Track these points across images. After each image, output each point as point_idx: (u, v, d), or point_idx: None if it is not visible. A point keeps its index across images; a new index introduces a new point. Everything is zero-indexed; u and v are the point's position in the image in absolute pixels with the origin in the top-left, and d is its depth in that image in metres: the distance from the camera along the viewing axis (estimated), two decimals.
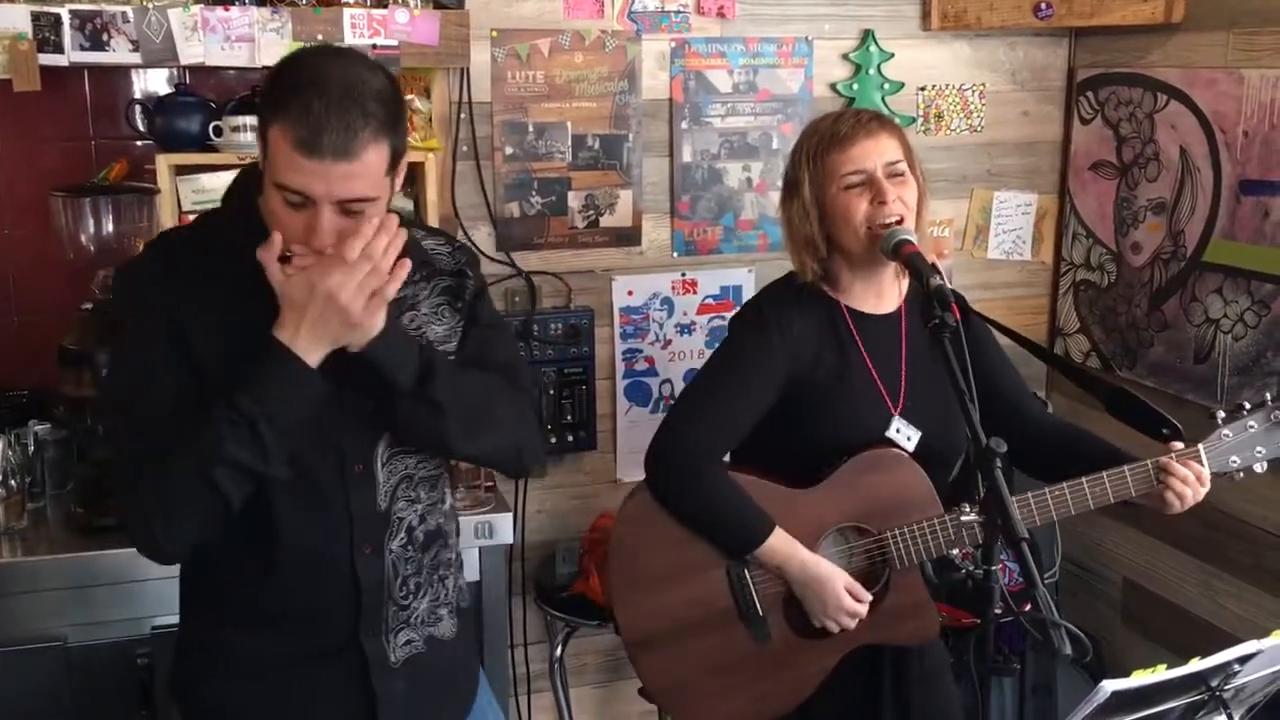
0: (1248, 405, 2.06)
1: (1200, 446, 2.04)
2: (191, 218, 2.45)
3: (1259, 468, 2.07)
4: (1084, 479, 2.03)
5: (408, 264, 1.58)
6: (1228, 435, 2.04)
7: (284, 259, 1.55)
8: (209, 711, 1.79)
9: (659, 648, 2.14)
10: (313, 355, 1.56)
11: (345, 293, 1.52)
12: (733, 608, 2.10)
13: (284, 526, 1.66)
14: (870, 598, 2.07)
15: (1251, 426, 2.05)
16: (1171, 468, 2.01)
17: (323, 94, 1.48)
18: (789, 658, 2.12)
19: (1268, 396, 2.06)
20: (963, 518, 2.01)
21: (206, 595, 1.78)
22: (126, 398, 1.65)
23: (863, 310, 2.12)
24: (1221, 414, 2.06)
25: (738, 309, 2.28)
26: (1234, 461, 2.05)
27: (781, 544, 2.05)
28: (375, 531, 1.72)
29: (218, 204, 1.79)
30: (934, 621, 2.13)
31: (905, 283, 2.15)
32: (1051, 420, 2.30)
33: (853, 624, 2.06)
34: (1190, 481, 2.01)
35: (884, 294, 2.13)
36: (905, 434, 2.10)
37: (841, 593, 2.04)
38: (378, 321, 1.56)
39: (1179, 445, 2.06)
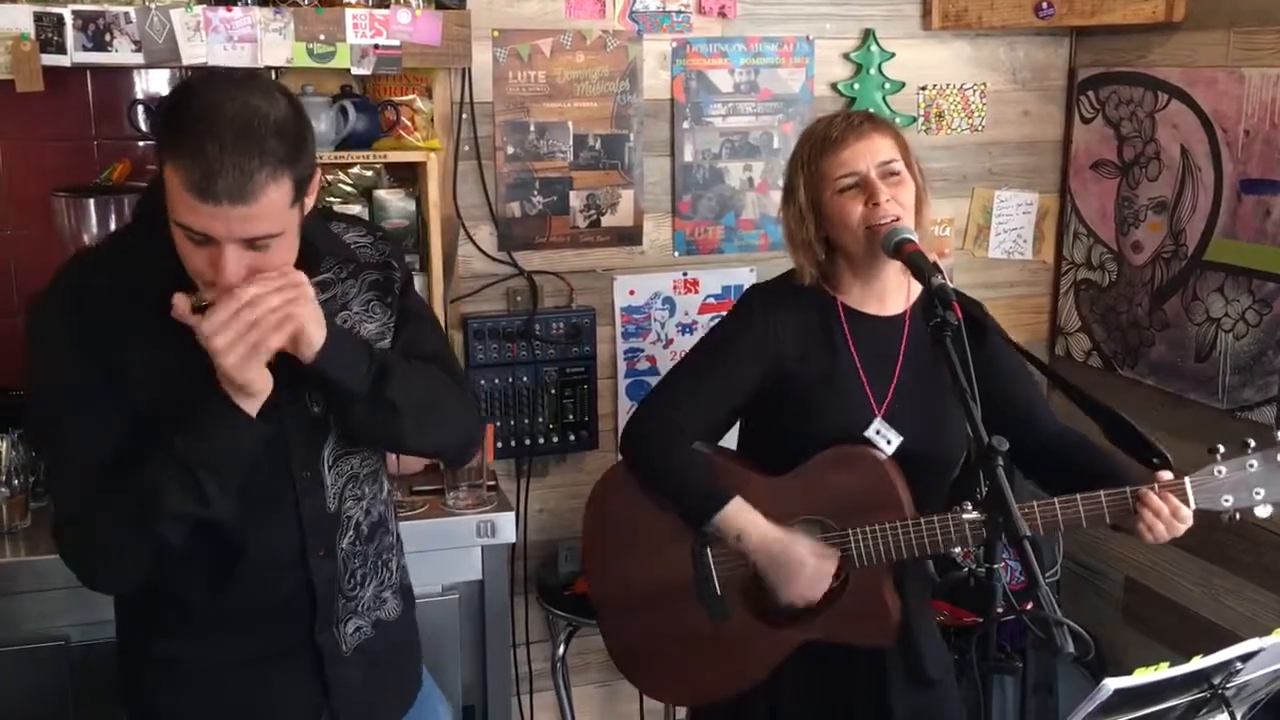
0: (1252, 443, 1.92)
1: (1186, 480, 1.93)
2: None
3: (1261, 511, 1.92)
4: (1056, 500, 1.97)
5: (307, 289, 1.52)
6: (1221, 472, 1.91)
7: (201, 309, 1.49)
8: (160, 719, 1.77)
9: (620, 615, 2.20)
10: (251, 403, 1.53)
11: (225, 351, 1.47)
12: (693, 584, 2.12)
13: (234, 539, 1.65)
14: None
15: (1252, 465, 1.91)
16: (1147, 499, 1.92)
17: (216, 135, 1.40)
18: (744, 641, 2.12)
19: (1277, 436, 1.91)
20: (964, 516, 2.00)
21: (155, 605, 1.73)
22: (57, 431, 1.60)
23: (862, 311, 2.12)
24: (1222, 450, 1.92)
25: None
26: (1226, 501, 1.92)
27: (743, 510, 2.04)
28: (327, 534, 1.72)
29: None
30: (890, 625, 2.08)
31: (914, 287, 2.13)
32: (1061, 431, 2.22)
33: (810, 592, 2.04)
34: (1164, 515, 1.91)
35: (887, 296, 2.13)
36: (885, 436, 2.08)
37: (801, 552, 2.02)
38: (253, 376, 1.50)
39: (1166, 475, 1.95)
